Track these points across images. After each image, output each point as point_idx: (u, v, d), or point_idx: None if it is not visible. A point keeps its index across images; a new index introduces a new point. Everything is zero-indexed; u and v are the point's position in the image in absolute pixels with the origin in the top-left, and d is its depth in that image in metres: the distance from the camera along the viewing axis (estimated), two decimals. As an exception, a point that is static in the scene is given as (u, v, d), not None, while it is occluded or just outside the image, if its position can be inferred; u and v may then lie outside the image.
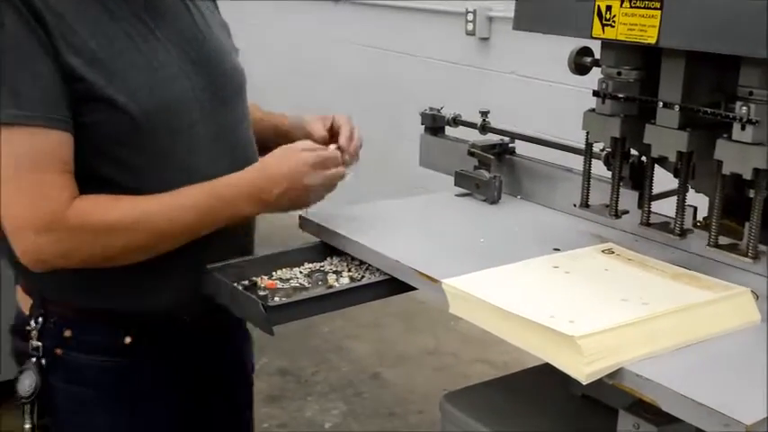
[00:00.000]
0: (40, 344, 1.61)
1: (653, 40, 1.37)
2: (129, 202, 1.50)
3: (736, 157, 1.37)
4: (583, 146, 1.67)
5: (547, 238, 1.69)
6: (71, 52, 1.45)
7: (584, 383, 1.17)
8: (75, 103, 1.46)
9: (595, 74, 1.63)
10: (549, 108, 3.69)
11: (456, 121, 2.13)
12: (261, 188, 1.56)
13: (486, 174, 1.94)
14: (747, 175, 1.37)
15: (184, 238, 1.54)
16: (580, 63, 1.72)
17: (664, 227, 1.57)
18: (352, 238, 1.68)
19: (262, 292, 1.54)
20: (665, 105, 1.46)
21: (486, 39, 4.14)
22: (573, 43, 1.65)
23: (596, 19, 1.45)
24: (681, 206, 1.52)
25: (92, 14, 1.49)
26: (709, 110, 1.41)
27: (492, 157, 1.95)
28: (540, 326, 1.23)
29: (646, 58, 1.52)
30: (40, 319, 1.61)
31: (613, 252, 1.55)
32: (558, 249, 1.62)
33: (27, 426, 1.62)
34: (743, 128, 1.36)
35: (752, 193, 1.41)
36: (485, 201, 1.94)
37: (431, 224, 1.81)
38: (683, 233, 1.52)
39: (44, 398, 1.61)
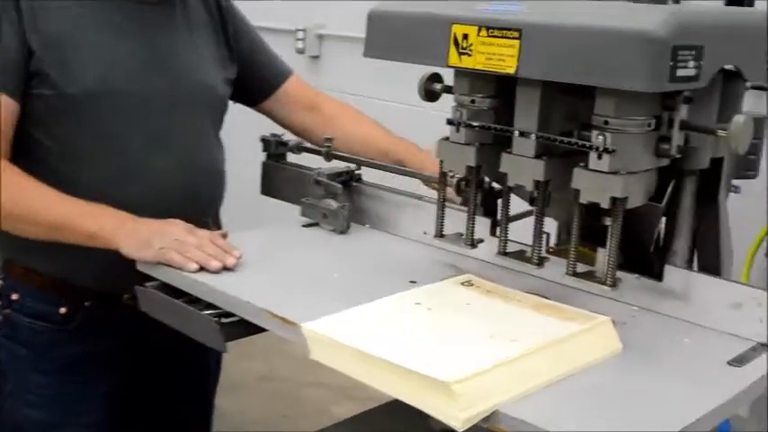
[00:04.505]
0: None
1: (512, 70, 1.34)
2: (28, 181, 1.68)
3: (593, 186, 1.37)
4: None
5: (402, 270, 1.64)
6: (34, 31, 1.68)
7: (460, 430, 1.12)
8: (28, 76, 1.69)
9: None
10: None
11: (300, 148, 2.05)
12: (128, 217, 1.68)
13: (333, 203, 1.87)
14: (605, 204, 1.36)
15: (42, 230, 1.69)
16: (430, 89, 1.68)
17: (520, 255, 1.55)
18: (198, 278, 1.56)
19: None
20: (521, 134, 1.45)
21: (316, 57, 4.08)
22: (412, 65, 1.60)
23: (453, 47, 1.41)
24: (538, 234, 1.51)
25: (72, 11, 1.72)
26: (565, 139, 1.40)
27: (339, 185, 1.88)
28: (411, 371, 1.17)
29: (499, 87, 1.50)
30: (1, 281, 1.85)
31: (473, 284, 1.51)
32: (415, 282, 1.57)
33: None
34: (599, 157, 1.35)
35: (608, 221, 1.41)
36: (333, 231, 1.87)
37: (279, 258, 1.72)
38: (541, 261, 1.51)
39: None
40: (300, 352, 1.38)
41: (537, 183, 1.45)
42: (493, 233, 1.70)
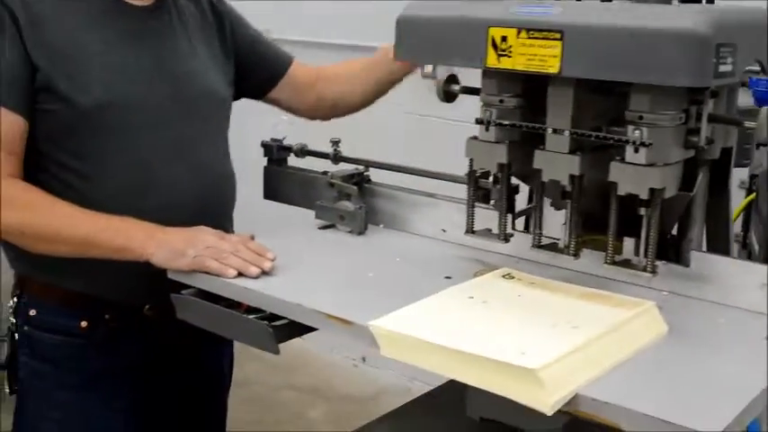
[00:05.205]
0: (13, 320, 1.84)
1: (555, 70, 1.40)
2: (46, 199, 1.67)
3: (631, 178, 1.43)
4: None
5: (432, 267, 1.69)
6: (37, 47, 1.67)
7: (548, 414, 1.17)
8: (36, 92, 1.68)
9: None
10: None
11: (304, 152, 2.08)
12: (156, 227, 1.67)
13: (350, 205, 1.90)
14: (644, 195, 1.43)
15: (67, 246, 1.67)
16: (448, 91, 1.74)
17: (554, 247, 1.61)
18: (239, 284, 1.57)
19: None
20: (555, 131, 1.51)
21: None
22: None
23: (491, 49, 1.46)
24: (572, 227, 1.57)
25: (72, 23, 1.72)
26: (601, 134, 1.46)
27: (354, 187, 1.92)
28: (494, 361, 1.21)
29: (525, 86, 1.56)
30: (16, 298, 1.84)
31: (513, 277, 1.57)
32: (450, 277, 1.62)
33: (6, 390, 1.88)
34: (636, 150, 1.42)
35: (642, 212, 1.48)
36: (350, 232, 1.90)
37: (308, 261, 1.74)
38: (577, 253, 1.57)
39: (15, 369, 1.84)
40: (269, 355, 1.46)
41: (572, 177, 1.51)
42: (512, 227, 1.76)
